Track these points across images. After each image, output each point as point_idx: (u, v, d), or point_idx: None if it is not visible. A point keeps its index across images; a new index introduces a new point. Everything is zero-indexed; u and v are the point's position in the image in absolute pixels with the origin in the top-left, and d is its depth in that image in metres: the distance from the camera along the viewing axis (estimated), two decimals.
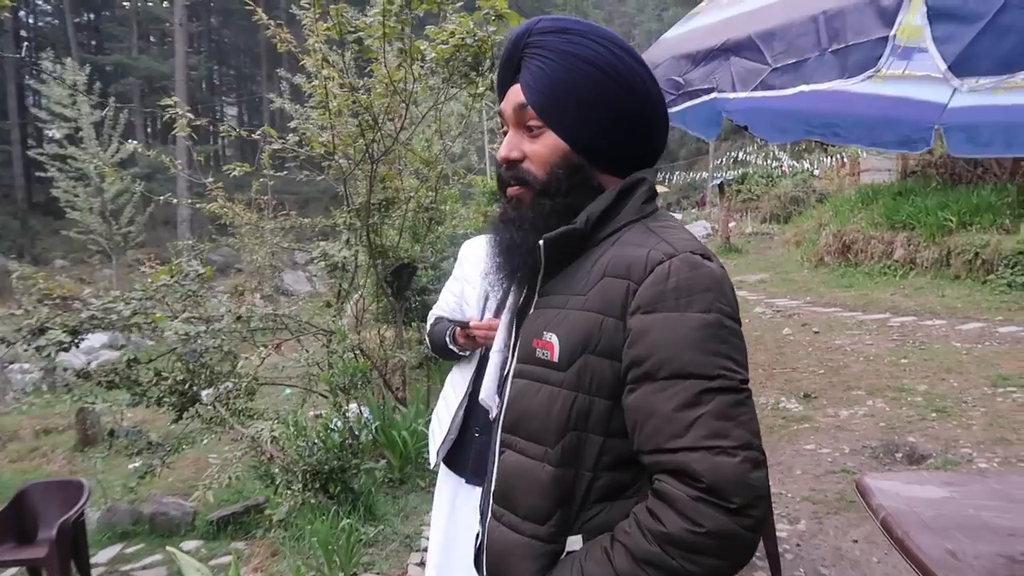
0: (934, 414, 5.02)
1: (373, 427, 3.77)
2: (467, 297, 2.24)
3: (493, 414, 1.25)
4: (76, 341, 4.16)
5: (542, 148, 1.09)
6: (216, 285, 4.62)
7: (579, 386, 1.00)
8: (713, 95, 1.49)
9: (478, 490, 2.24)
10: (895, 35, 1.05)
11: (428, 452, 2.32)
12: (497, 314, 2.12)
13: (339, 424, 3.63)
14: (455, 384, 2.25)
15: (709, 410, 0.89)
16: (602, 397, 0.99)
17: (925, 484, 2.05)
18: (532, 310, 1.14)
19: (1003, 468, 4.03)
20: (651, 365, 0.93)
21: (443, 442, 2.24)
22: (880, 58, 1.09)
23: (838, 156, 19.58)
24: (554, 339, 1.04)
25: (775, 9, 1.39)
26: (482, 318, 2.12)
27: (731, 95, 1.43)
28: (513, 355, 1.19)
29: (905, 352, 6.89)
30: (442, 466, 2.32)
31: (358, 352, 4.18)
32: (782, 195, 20.96)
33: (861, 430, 4.77)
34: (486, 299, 2.15)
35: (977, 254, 9.93)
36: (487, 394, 1.27)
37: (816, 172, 21.47)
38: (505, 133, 1.15)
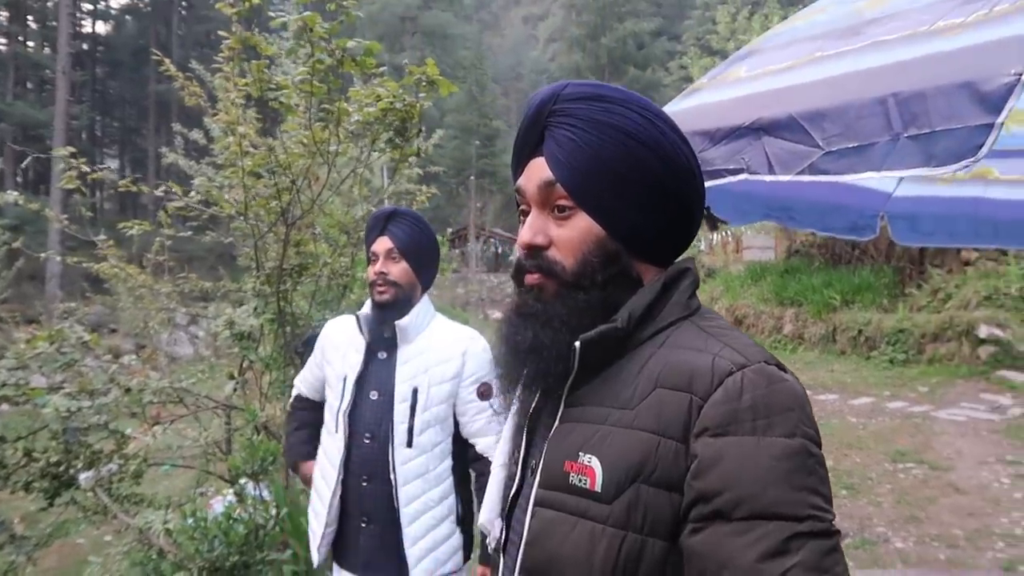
0: (844, 491, 5.10)
1: (283, 513, 3.42)
2: (328, 380, 2.23)
3: (493, 544, 1.03)
4: None
5: (573, 233, 0.93)
6: (98, 352, 4.17)
7: (628, 523, 0.81)
8: (742, 176, 1.40)
9: None
10: (1002, 123, 0.99)
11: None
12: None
13: (244, 515, 3.27)
14: (324, 473, 2.16)
15: (800, 560, 0.72)
16: (657, 537, 0.81)
17: None
18: (558, 423, 0.94)
19: (918, 548, 4.09)
20: (725, 502, 0.76)
21: (323, 537, 2.13)
22: (982, 147, 1.02)
23: (724, 233, 20.59)
24: (595, 463, 0.85)
25: (819, 88, 1.32)
26: (341, 399, 2.11)
27: (767, 177, 1.34)
28: (526, 472, 0.98)
29: None
30: (335, 567, 2.21)
31: (263, 430, 3.83)
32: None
33: None
34: (344, 381, 2.14)
35: (861, 331, 10.50)
36: (487, 518, 1.06)
37: (703, 248, 22.48)
38: (524, 213, 0.97)
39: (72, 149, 3.74)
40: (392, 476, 2.03)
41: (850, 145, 1.20)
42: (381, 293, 2.11)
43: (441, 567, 2.06)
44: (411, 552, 2.03)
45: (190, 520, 3.20)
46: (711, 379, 0.81)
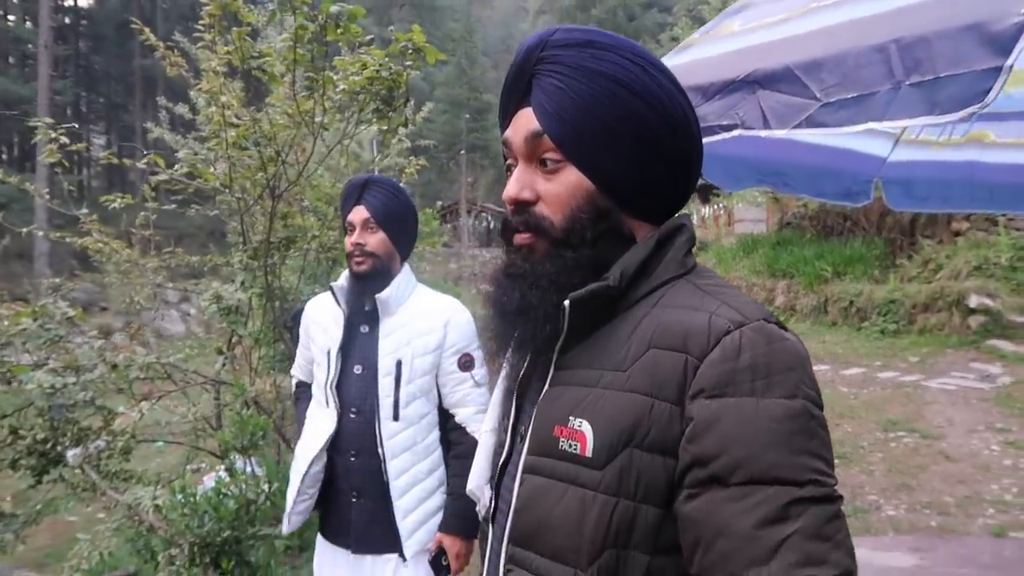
0: (836, 460, 5.10)
1: (273, 488, 3.40)
2: (315, 356, 2.20)
3: (483, 513, 0.99)
4: None
5: (561, 187, 0.88)
6: (85, 328, 4.11)
7: (620, 489, 0.78)
8: (736, 132, 1.35)
9: (368, 559, 2.06)
10: (1011, 66, 0.94)
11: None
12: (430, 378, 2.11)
13: (234, 490, 3.24)
14: (305, 444, 2.12)
15: (800, 527, 0.68)
16: (651, 504, 0.77)
17: (892, 551, 1.96)
18: (548, 386, 0.89)
19: (910, 515, 4.11)
20: (722, 466, 0.72)
21: (293, 504, 2.11)
22: (989, 92, 0.97)
23: (715, 206, 20.56)
24: (586, 427, 0.81)
25: (816, 38, 1.26)
26: (329, 371, 2.08)
27: (763, 133, 1.29)
28: (516, 439, 0.94)
29: None
30: (319, 540, 2.21)
31: (253, 405, 3.79)
32: None
33: None
34: (328, 354, 2.11)
35: (852, 302, 10.51)
36: (476, 484, 1.02)
37: (695, 220, 22.45)
38: (510, 168, 0.92)
39: (51, 120, 3.63)
40: (380, 450, 2.01)
41: (849, 95, 1.15)
42: (359, 264, 2.07)
43: (432, 538, 2.05)
44: (403, 525, 2.01)
45: (179, 496, 3.17)
46: (707, 338, 0.77)
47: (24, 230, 4.68)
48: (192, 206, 4.62)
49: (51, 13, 30.90)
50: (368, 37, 3.87)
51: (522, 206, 0.90)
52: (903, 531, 3.92)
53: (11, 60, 40.37)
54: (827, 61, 1.19)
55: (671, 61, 1.67)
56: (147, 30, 4.19)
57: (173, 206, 4.41)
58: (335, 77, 3.72)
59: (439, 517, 2.07)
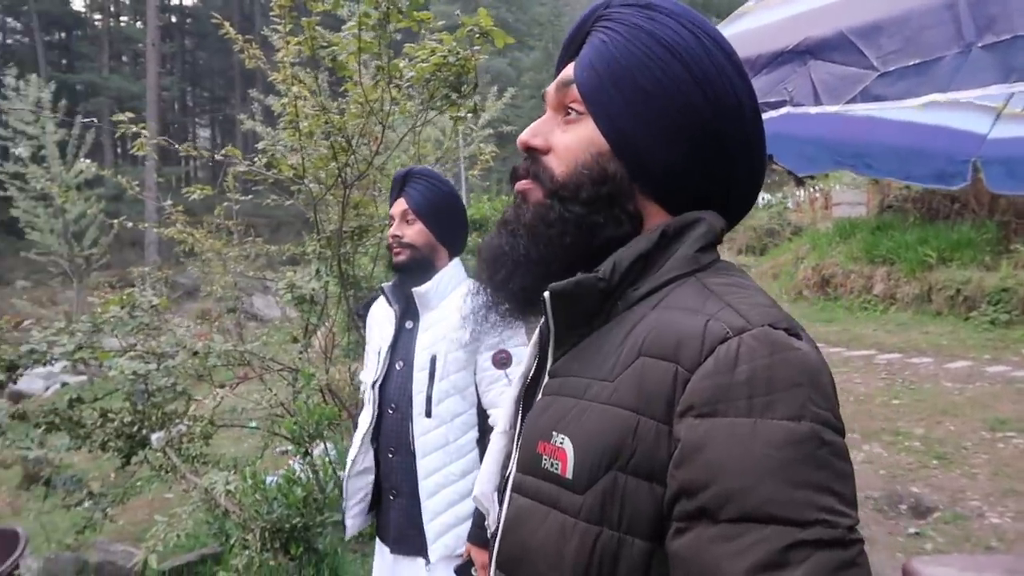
0: (935, 461, 4.79)
1: (342, 477, 3.42)
2: (369, 358, 2.19)
3: (490, 526, 0.90)
4: (14, 378, 3.80)
5: (573, 139, 0.81)
6: (177, 314, 4.27)
7: (603, 518, 0.68)
8: (785, 110, 1.21)
9: (404, 560, 2.01)
10: None
11: None
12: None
13: (304, 477, 3.29)
14: (353, 445, 2.11)
15: None
16: (638, 536, 0.67)
17: (984, 572, 1.77)
18: (540, 395, 0.81)
19: (1016, 524, 3.79)
20: (711, 498, 0.61)
21: (347, 509, 2.11)
22: None
23: (812, 189, 19.69)
24: (567, 445, 0.71)
25: None
26: (377, 369, 2.07)
27: (812, 109, 1.15)
28: (516, 448, 0.86)
29: (896, 392, 6.69)
30: (377, 540, 2.18)
31: (326, 393, 3.84)
32: (757, 227, 20.98)
33: (861, 478, 4.49)
34: (379, 354, 2.09)
35: (959, 291, 9.85)
36: (481, 490, 0.94)
37: (790, 205, 21.56)
38: None
39: (130, 115, 3.74)
40: (412, 447, 1.97)
41: (910, 63, 0.99)
42: (397, 255, 2.05)
43: (463, 545, 1.96)
44: (430, 527, 1.96)
45: (249, 482, 3.24)
46: (701, 346, 0.66)
47: (118, 221, 4.90)
48: (271, 196, 4.71)
49: (158, 13, 32.50)
50: (440, 22, 3.83)
51: (531, 153, 0.85)
52: (1009, 541, 3.62)
53: (124, 59, 42.77)
54: (887, 24, 1.02)
55: (723, 32, 1.52)
56: (227, 24, 4.28)
57: (251, 197, 4.50)
58: (403, 64, 3.69)
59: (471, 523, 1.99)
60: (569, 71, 0.83)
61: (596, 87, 0.80)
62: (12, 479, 7.48)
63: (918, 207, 12.56)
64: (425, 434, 1.97)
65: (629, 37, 0.79)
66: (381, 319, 2.16)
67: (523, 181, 0.85)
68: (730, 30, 1.53)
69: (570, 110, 0.82)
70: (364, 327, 4.54)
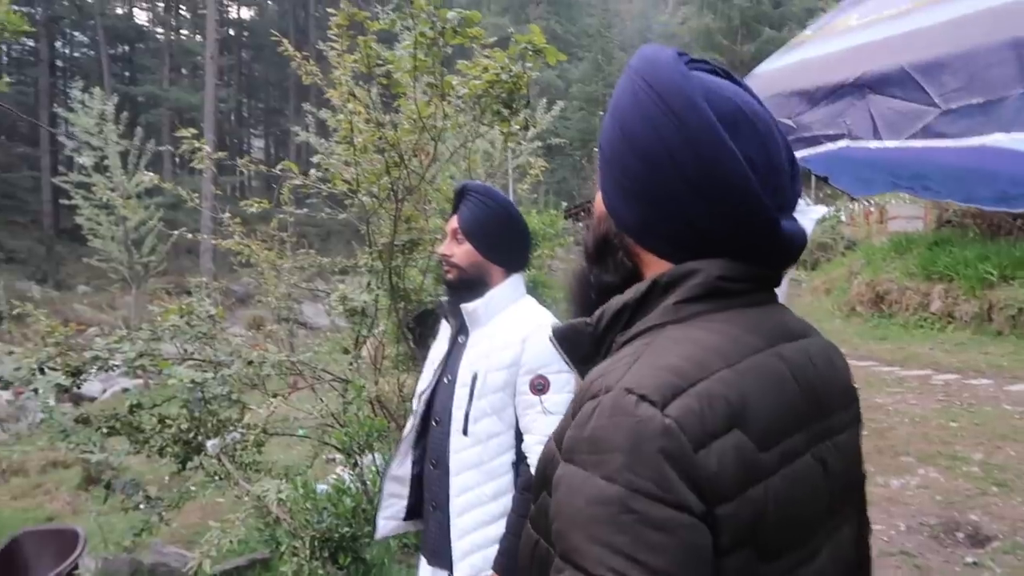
0: (995, 488, 4.64)
1: None
2: (425, 370, 2.21)
3: None
4: (78, 383, 3.93)
5: (596, 207, 0.94)
6: (230, 321, 4.39)
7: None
8: (843, 143, 1.20)
9: (440, 573, 2.02)
10: None
11: None
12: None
13: (353, 487, 3.34)
14: (401, 449, 2.14)
15: None
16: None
17: None
18: None
19: None
20: (554, 532, 0.72)
21: (381, 510, 2.15)
22: None
23: (866, 203, 19.27)
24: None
25: (940, 33, 1.09)
26: (426, 384, 2.10)
27: (872, 143, 1.14)
28: None
29: (953, 414, 6.49)
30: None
31: (376, 405, 3.89)
32: (810, 241, 20.60)
33: (916, 504, 4.39)
34: (432, 366, 2.12)
35: (1021, 310, 9.52)
36: None
37: (844, 218, 21.12)
38: None
39: (192, 131, 3.86)
40: (448, 463, 1.98)
41: (974, 101, 0.97)
42: (447, 273, 2.06)
43: (489, 567, 1.93)
44: (457, 545, 1.95)
45: (300, 491, 3.30)
46: (579, 398, 0.76)
47: (177, 232, 5.06)
48: (325, 210, 4.81)
49: (217, 27, 33.44)
50: (492, 39, 3.88)
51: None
52: None
53: (183, 71, 44.03)
54: (950, 61, 1.01)
55: (778, 61, 1.51)
56: (285, 41, 4.40)
57: (304, 211, 4.60)
58: (456, 82, 3.74)
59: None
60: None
61: (600, 157, 0.90)
62: (72, 479, 7.73)
63: (978, 223, 12.20)
64: (460, 451, 1.96)
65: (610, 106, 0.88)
66: (442, 332, 2.19)
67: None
68: (785, 59, 1.52)
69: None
70: (413, 339, 4.60)
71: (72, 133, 15.33)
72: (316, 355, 4.57)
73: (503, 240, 2.05)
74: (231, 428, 3.89)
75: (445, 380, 2.06)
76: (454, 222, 2.05)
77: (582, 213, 26.24)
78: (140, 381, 12.64)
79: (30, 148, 35.40)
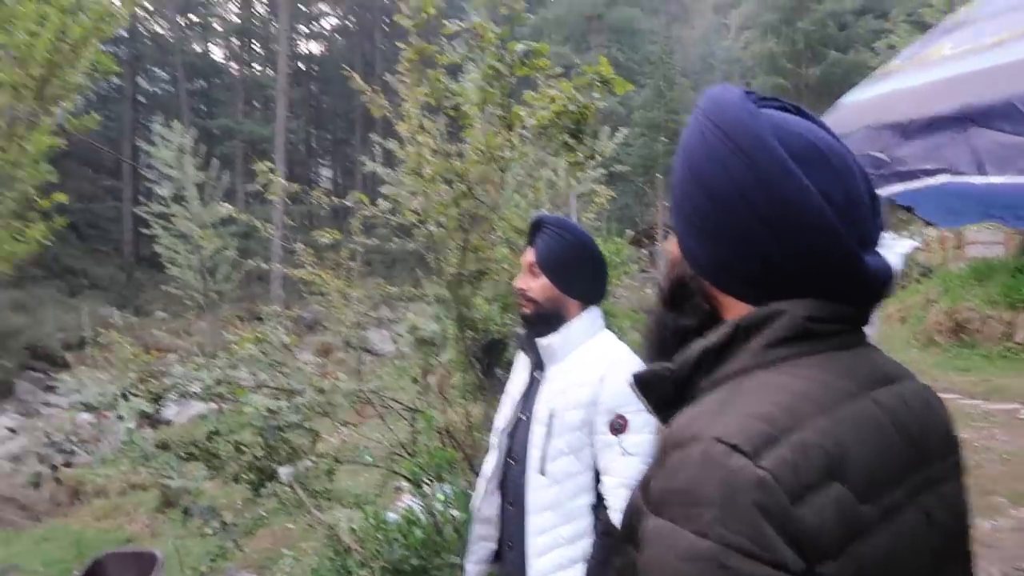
0: None
1: (460, 519, 3.46)
2: (504, 402, 2.17)
3: None
4: (158, 409, 4.07)
5: (670, 251, 0.93)
6: (299, 347, 4.48)
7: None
8: (943, 178, 1.15)
9: None
10: None
11: None
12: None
13: (423, 519, 3.34)
14: (477, 490, 2.12)
15: None
16: None
17: None
18: None
19: None
20: None
21: (470, 553, 2.14)
22: None
23: (942, 228, 18.60)
24: None
25: None
26: (506, 420, 2.07)
27: (976, 179, 1.08)
28: None
29: None
30: None
31: (444, 435, 3.90)
32: (897, 276, 19.95)
33: (1010, 547, 4.16)
34: (512, 400, 2.09)
35: None
36: None
37: (918, 244, 20.41)
38: None
39: (280, 167, 3.98)
40: (525, 503, 1.93)
41: None
42: (522, 307, 2.03)
43: None
44: None
45: (371, 521, 3.32)
46: (665, 447, 0.73)
47: (253, 262, 5.22)
48: (394, 239, 4.89)
49: (288, 61, 34.67)
50: (559, 69, 3.90)
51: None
52: None
53: (256, 104, 45.72)
54: None
55: (866, 92, 1.45)
56: (356, 76, 4.51)
57: (374, 241, 4.68)
58: (523, 113, 3.77)
59: None
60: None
61: (671, 201, 0.90)
62: (150, 502, 7.98)
63: None
64: (537, 491, 1.90)
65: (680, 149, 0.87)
66: (520, 365, 2.16)
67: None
68: (875, 90, 1.47)
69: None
70: (481, 368, 4.60)
71: (152, 165, 16.05)
72: (383, 383, 4.63)
73: (579, 273, 2.01)
74: (303, 456, 3.96)
75: (523, 416, 2.02)
76: (530, 255, 2.02)
77: (645, 240, 26.06)
78: (214, 406, 13.02)
79: (113, 180, 37.25)
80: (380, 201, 4.32)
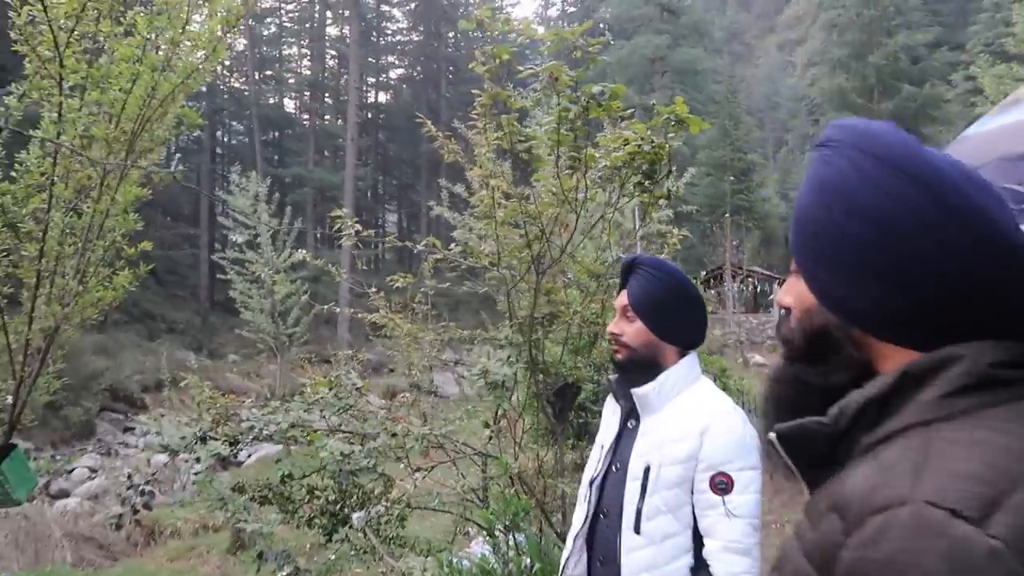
0: None
1: (535, 568, 3.37)
2: (593, 451, 2.07)
3: None
4: (235, 452, 4.11)
5: (795, 297, 0.86)
6: (370, 391, 4.50)
7: None
8: None
9: None
10: None
11: None
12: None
13: (498, 568, 3.26)
14: (566, 545, 2.01)
15: None
16: None
17: None
18: None
19: None
20: None
21: None
22: None
23: None
24: None
25: None
26: (597, 466, 1.96)
27: None
28: None
29: None
30: None
31: (517, 481, 3.83)
32: None
33: None
34: (602, 449, 1.98)
35: None
36: None
37: None
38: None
39: (348, 211, 4.06)
40: (619, 563, 1.81)
41: None
42: (616, 353, 1.93)
43: None
44: None
45: (444, 570, 3.25)
46: (859, 511, 0.64)
47: (325, 307, 5.31)
48: (465, 282, 4.90)
49: (357, 111, 35.82)
50: (629, 110, 3.88)
51: (787, 310, 0.89)
52: None
53: (326, 153, 47.27)
54: None
55: (991, 123, 1.35)
56: (428, 123, 4.59)
57: (447, 284, 4.70)
58: (597, 154, 3.75)
59: None
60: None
61: (795, 244, 0.83)
62: (222, 543, 8.08)
63: None
64: (632, 551, 1.79)
65: (807, 185, 0.81)
66: (610, 412, 2.05)
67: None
68: (1003, 120, 1.36)
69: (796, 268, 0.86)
70: (553, 413, 4.53)
71: (228, 213, 16.66)
72: (452, 426, 4.60)
73: (677, 317, 1.92)
74: (375, 501, 3.94)
75: (614, 468, 1.91)
76: (623, 299, 1.94)
77: (712, 280, 25.65)
78: (282, 447, 13.22)
79: (191, 228, 38.80)
80: (453, 245, 4.35)
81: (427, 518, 6.26)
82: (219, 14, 4.34)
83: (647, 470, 1.79)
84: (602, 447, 1.97)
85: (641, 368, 1.89)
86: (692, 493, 1.76)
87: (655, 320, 1.88)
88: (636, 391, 1.87)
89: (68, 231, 4.22)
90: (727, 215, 26.33)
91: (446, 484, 4.00)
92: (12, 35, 3.69)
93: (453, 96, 48.44)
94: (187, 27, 4.26)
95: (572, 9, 57.73)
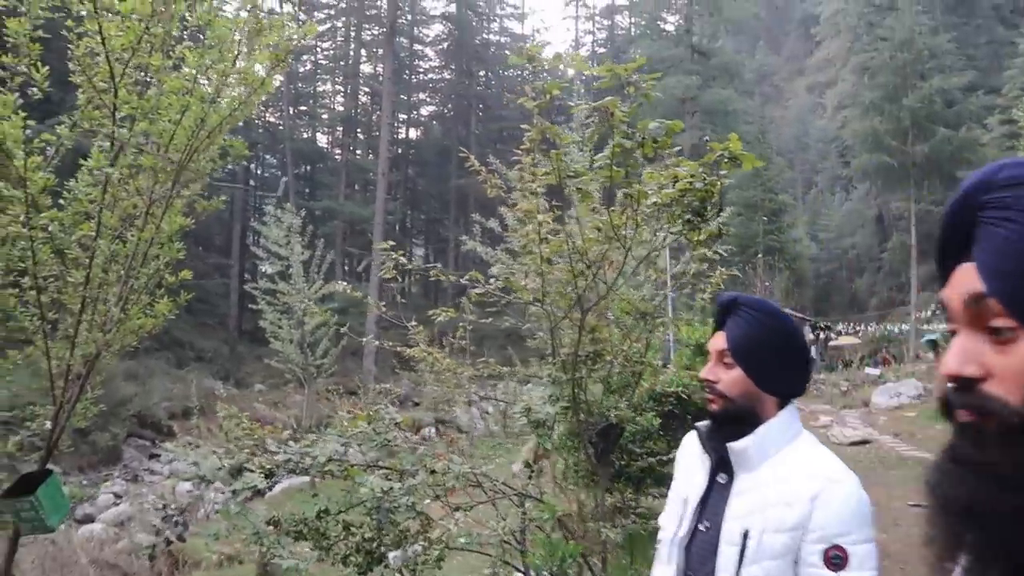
0: None
1: None
2: (671, 504, 1.85)
3: None
4: (270, 484, 4.04)
5: (1018, 361, 0.70)
6: (407, 432, 4.43)
7: None
8: None
9: None
10: None
11: None
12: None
13: None
14: None
15: None
16: None
17: None
18: None
19: None
20: None
21: None
22: None
23: None
24: None
25: None
26: (682, 524, 1.74)
27: None
28: None
29: None
30: None
31: (561, 526, 3.72)
32: None
33: None
34: (685, 504, 1.76)
35: None
36: None
37: None
38: (954, 332, 0.76)
39: (391, 243, 4.04)
40: None
41: None
42: (710, 403, 1.75)
43: None
44: None
45: None
46: None
47: (362, 340, 5.28)
48: (504, 318, 4.84)
49: (388, 146, 36.30)
50: (676, 148, 3.83)
51: (966, 383, 0.72)
52: None
53: (356, 187, 47.87)
54: None
55: None
56: (471, 157, 4.57)
57: (489, 320, 4.65)
58: (647, 191, 3.70)
59: None
60: (974, 282, 0.72)
61: (1020, 297, 0.69)
62: (247, 575, 7.97)
63: None
64: None
65: None
66: (693, 461, 1.85)
67: (967, 413, 0.73)
68: None
69: (999, 329, 0.70)
70: (596, 453, 4.42)
71: (262, 244, 16.84)
72: (491, 464, 4.50)
73: (781, 365, 1.73)
74: (411, 540, 3.84)
75: (702, 527, 1.73)
76: (720, 342, 1.75)
77: None
78: (307, 479, 13.12)
79: (223, 258, 39.33)
80: (492, 280, 4.30)
81: (455, 556, 6.12)
82: (269, 48, 4.38)
83: (746, 535, 1.62)
84: (685, 502, 1.78)
85: (738, 420, 1.72)
86: (796, 564, 1.59)
87: (757, 367, 1.71)
88: (733, 446, 1.70)
89: (112, 258, 4.24)
90: (759, 255, 26.12)
91: (485, 524, 3.89)
92: (71, 66, 3.74)
93: (482, 133, 49.04)
94: (237, 62, 4.31)
95: (602, 50, 58.42)
